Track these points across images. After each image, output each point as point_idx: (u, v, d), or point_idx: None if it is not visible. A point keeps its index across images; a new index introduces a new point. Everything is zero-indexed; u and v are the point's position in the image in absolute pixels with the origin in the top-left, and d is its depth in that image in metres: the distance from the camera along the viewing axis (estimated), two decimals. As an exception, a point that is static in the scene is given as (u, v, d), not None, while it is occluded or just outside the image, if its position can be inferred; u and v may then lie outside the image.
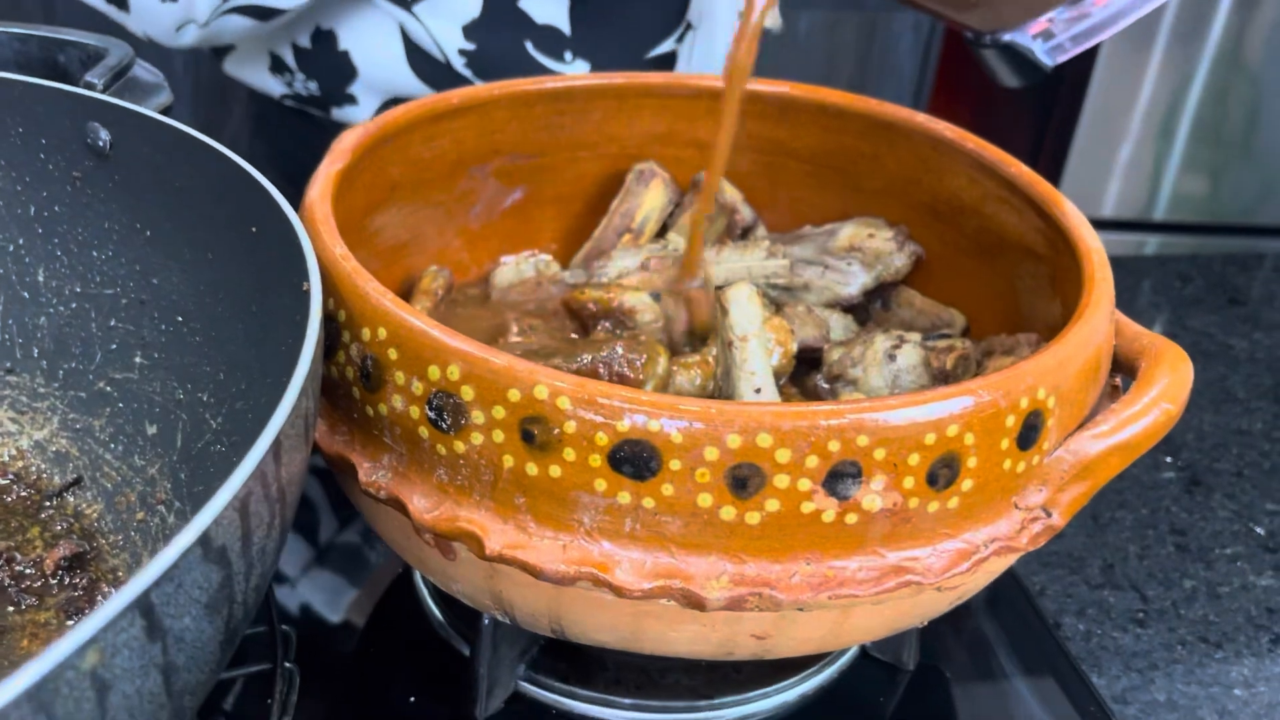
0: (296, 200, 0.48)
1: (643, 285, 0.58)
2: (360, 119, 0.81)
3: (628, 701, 0.49)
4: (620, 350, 0.48)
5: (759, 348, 0.48)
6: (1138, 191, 1.68)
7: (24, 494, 0.47)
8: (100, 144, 0.48)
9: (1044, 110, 1.67)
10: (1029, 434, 0.38)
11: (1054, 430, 0.40)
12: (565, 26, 0.76)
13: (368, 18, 0.77)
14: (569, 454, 0.36)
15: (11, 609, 0.42)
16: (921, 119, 0.57)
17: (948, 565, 0.38)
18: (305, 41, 0.77)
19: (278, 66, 0.79)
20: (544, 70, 0.79)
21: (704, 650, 0.41)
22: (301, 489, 0.34)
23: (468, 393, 0.36)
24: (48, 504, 0.47)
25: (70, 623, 0.42)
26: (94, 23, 0.67)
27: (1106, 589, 0.60)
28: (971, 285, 0.59)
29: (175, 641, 0.26)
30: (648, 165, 0.63)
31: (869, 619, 0.40)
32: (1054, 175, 1.64)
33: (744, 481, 0.35)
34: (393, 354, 0.38)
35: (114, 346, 0.49)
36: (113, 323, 0.49)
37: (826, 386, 0.52)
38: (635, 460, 0.35)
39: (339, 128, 0.82)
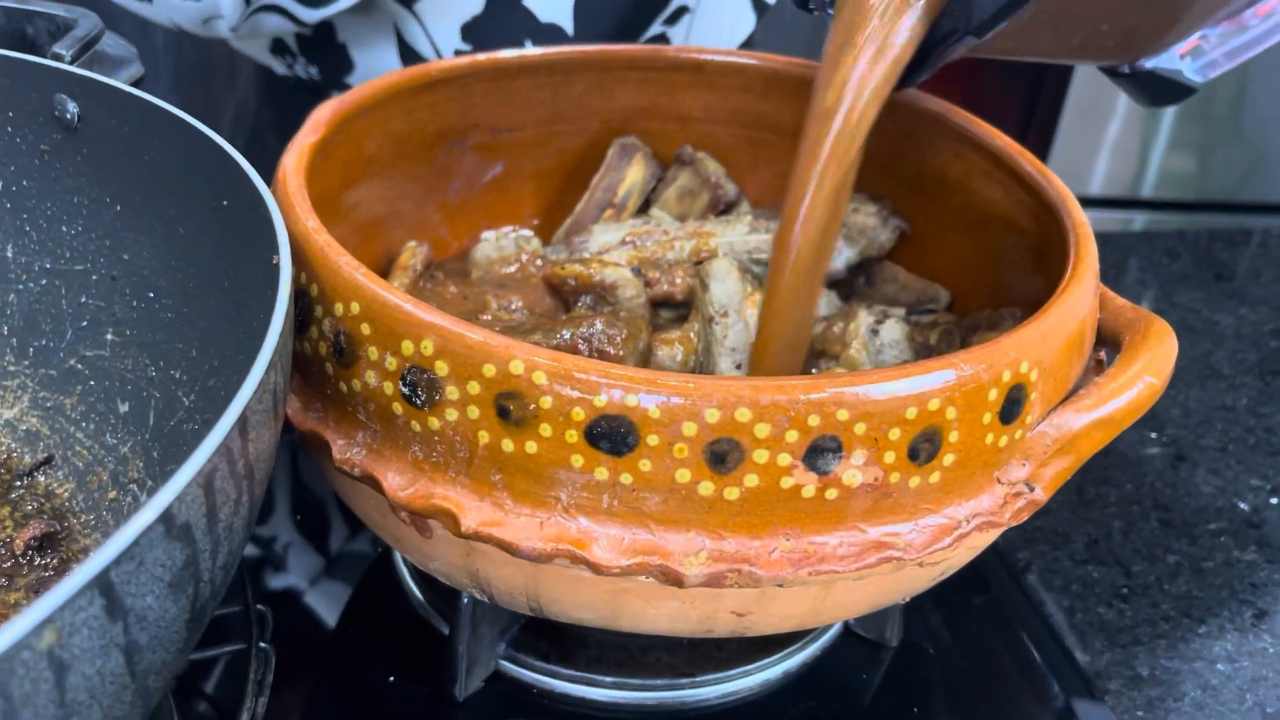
0: None
1: (625, 260, 0.57)
2: None
3: (609, 680, 0.48)
4: (600, 326, 0.47)
5: (739, 323, 0.47)
6: (1125, 169, 1.68)
7: (-6, 473, 0.47)
8: (68, 116, 0.47)
9: (1032, 88, 1.66)
10: (1011, 408, 0.38)
11: (1037, 404, 0.39)
12: (569, 25, 0.75)
13: (366, 15, 0.76)
14: (545, 430, 0.35)
15: (-19, 589, 0.41)
16: (906, 93, 0.56)
17: (929, 541, 0.37)
18: (308, 29, 0.76)
19: (279, 49, 0.78)
20: None
21: (684, 628, 0.41)
22: (271, 465, 0.33)
23: (442, 368, 0.36)
24: (18, 483, 0.46)
25: (41, 603, 0.41)
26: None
27: (1091, 564, 0.60)
28: (956, 260, 0.58)
29: (137, 621, 0.25)
30: (629, 140, 0.62)
31: (850, 595, 0.40)
32: (1042, 152, 1.64)
33: (723, 457, 0.35)
34: (365, 329, 0.37)
35: (85, 323, 0.48)
36: (83, 299, 0.48)
37: (808, 364, 0.52)
38: (612, 436, 0.35)
39: None
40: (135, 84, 0.54)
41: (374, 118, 0.54)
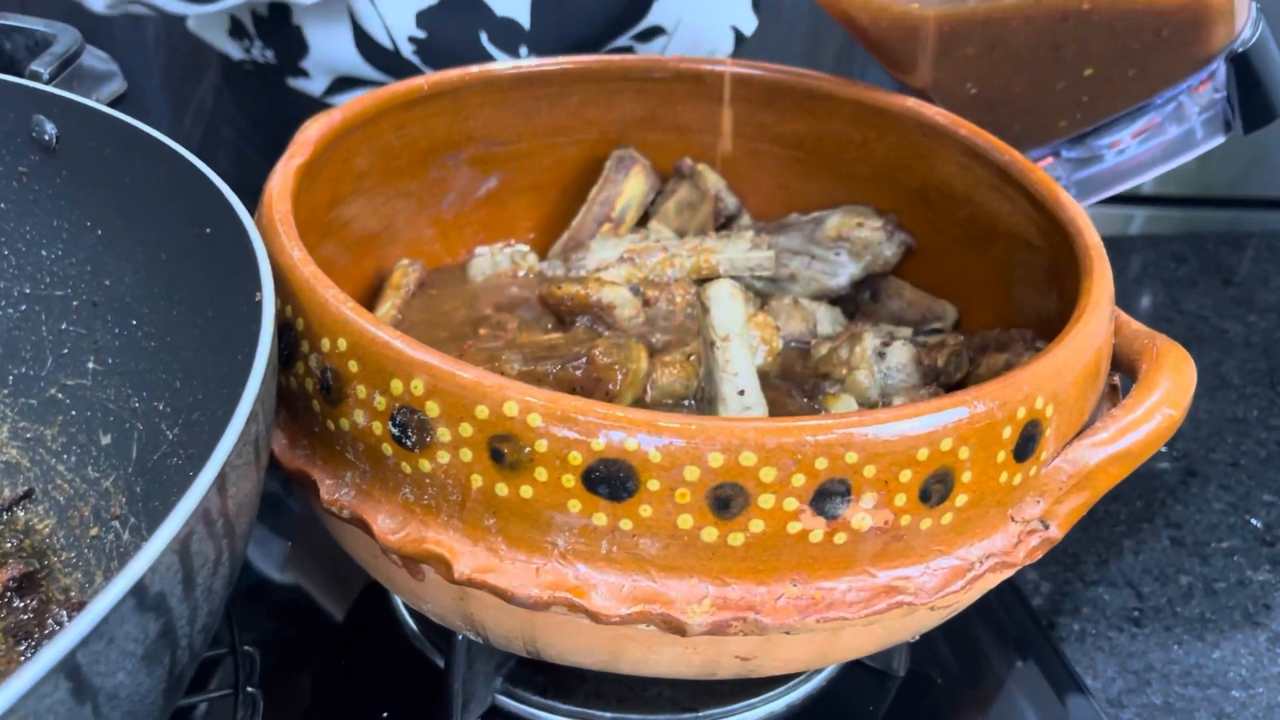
0: (268, 169, 0.46)
1: (623, 278, 0.56)
2: (314, 91, 0.78)
3: (609, 716, 0.47)
4: (598, 352, 0.46)
5: (742, 347, 0.46)
6: (1126, 165, 1.66)
7: (-28, 508, 0.45)
8: (47, 138, 0.45)
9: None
10: (1026, 445, 0.37)
11: (1052, 440, 0.38)
12: (525, 20, 0.74)
13: None
14: (541, 474, 0.34)
15: (-43, 633, 0.40)
16: (911, 104, 0.55)
17: (941, 584, 0.36)
18: (264, 10, 0.75)
19: (237, 31, 0.77)
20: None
21: (686, 671, 0.39)
22: (255, 513, 0.32)
23: (433, 409, 0.34)
24: (-2, 518, 0.45)
25: (20, 647, 0.40)
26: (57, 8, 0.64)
27: (1101, 586, 0.59)
28: (963, 275, 0.57)
29: (108, 700, 0.24)
30: (627, 152, 0.61)
31: (858, 638, 0.39)
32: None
33: (726, 502, 0.33)
34: (353, 366, 0.36)
35: (66, 351, 0.47)
36: (64, 325, 0.47)
37: (812, 387, 0.50)
38: (611, 480, 0.33)
39: (299, 94, 0.80)
40: (118, 99, 0.53)
41: (363, 134, 0.52)
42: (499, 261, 0.59)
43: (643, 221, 0.62)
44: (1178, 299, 0.85)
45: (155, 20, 1.28)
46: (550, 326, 0.54)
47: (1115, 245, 0.92)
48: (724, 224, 0.62)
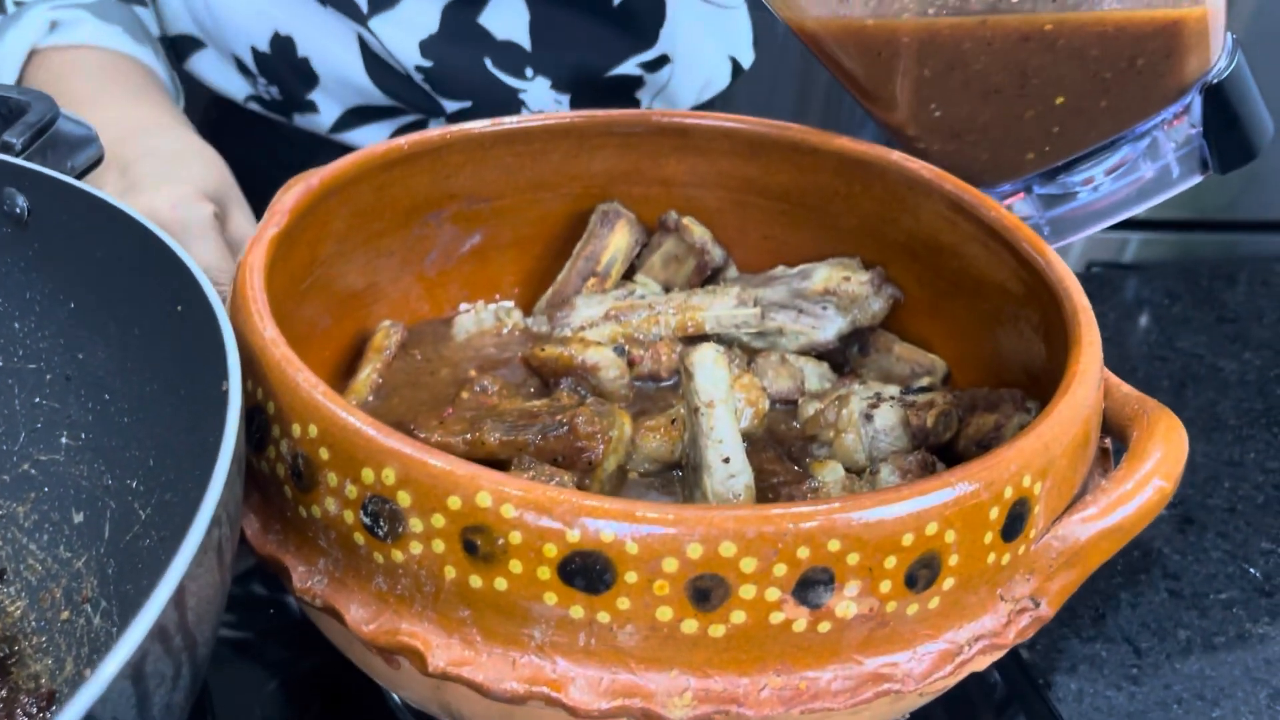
0: (260, 208, 0.45)
1: (607, 338, 0.55)
2: (323, 127, 0.78)
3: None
4: (580, 420, 0.45)
5: (726, 414, 0.45)
6: (1119, 190, 1.66)
7: (-57, 588, 0.44)
8: (18, 211, 0.44)
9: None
10: (1014, 524, 0.36)
11: (1041, 517, 0.37)
12: (526, 42, 0.74)
13: (326, 25, 0.74)
14: (515, 566, 0.33)
15: (-77, 724, 0.39)
16: (896, 157, 0.54)
17: (929, 670, 0.35)
18: (264, 46, 0.74)
19: (241, 69, 0.76)
20: (504, 87, 0.76)
21: (670, 758, 0.38)
22: (219, 618, 0.31)
23: (404, 498, 0.33)
24: (-32, 600, 0.44)
25: (-13, 739, 0.39)
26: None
27: (1099, 642, 0.58)
28: (952, 328, 0.56)
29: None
30: (612, 205, 0.60)
31: (846, 723, 0.38)
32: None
33: (706, 593, 0.32)
34: (324, 453, 0.35)
35: (39, 425, 0.46)
36: (37, 399, 0.46)
37: (800, 449, 0.49)
38: (588, 572, 0.32)
39: (300, 134, 0.79)
40: (94, 164, 0.52)
41: (342, 197, 0.51)
42: (483, 319, 0.58)
43: (629, 275, 0.61)
44: (1172, 337, 0.84)
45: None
46: (534, 389, 0.54)
47: (1109, 280, 0.92)
48: (710, 276, 0.61)
